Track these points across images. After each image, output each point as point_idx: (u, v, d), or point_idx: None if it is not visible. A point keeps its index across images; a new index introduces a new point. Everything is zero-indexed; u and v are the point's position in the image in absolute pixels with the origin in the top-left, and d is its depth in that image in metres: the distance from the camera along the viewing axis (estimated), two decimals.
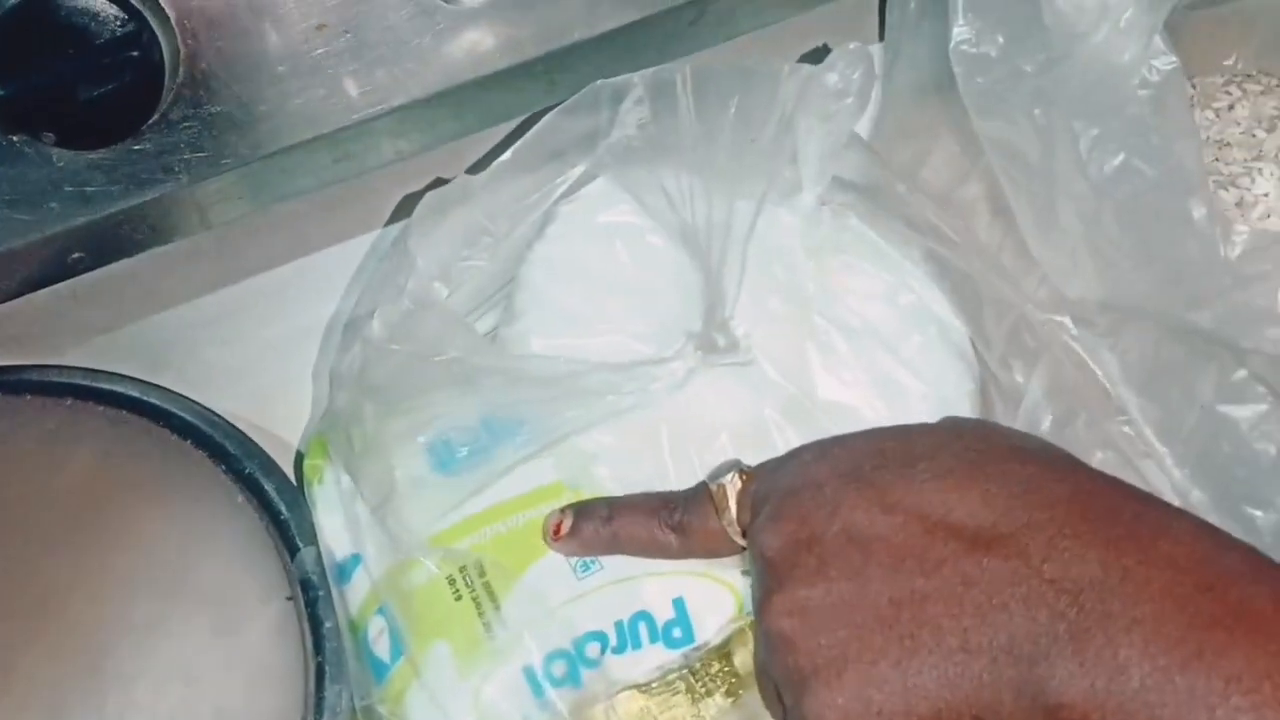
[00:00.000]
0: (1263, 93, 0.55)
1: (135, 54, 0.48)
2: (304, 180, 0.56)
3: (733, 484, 0.45)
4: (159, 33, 0.49)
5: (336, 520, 0.50)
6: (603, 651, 0.47)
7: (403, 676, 0.47)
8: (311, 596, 0.49)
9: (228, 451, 0.52)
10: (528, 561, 0.48)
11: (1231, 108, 0.55)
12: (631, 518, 0.47)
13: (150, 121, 0.50)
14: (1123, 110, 0.44)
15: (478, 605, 0.47)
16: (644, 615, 0.47)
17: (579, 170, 0.52)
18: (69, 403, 0.53)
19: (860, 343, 0.50)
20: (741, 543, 0.45)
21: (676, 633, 0.47)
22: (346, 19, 0.51)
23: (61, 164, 0.50)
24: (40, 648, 0.47)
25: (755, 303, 0.50)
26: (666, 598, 0.47)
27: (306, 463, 0.52)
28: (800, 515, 0.41)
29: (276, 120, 0.52)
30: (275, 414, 0.56)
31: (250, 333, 0.59)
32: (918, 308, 0.52)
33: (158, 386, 0.54)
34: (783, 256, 0.51)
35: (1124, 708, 0.35)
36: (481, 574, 0.47)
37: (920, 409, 0.50)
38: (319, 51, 0.51)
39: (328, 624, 0.49)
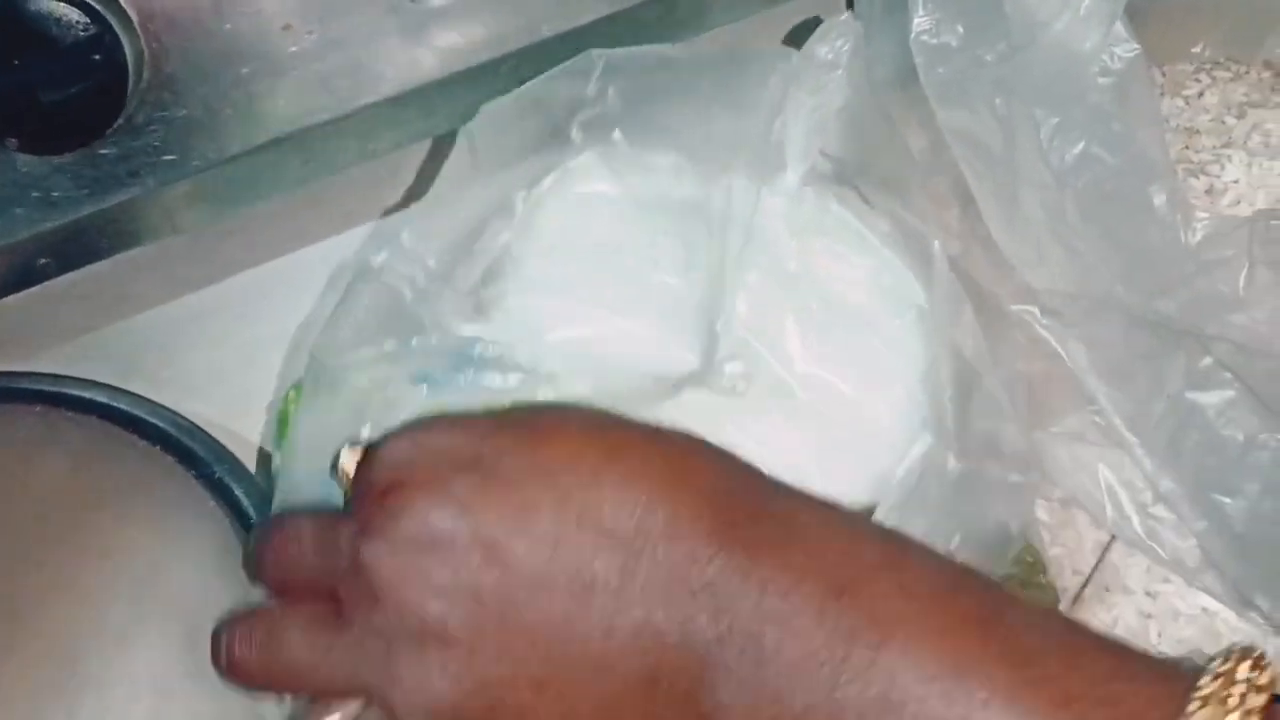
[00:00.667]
0: (1232, 79, 0.55)
1: (98, 57, 0.48)
2: (273, 182, 0.55)
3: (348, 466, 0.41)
4: (122, 35, 0.49)
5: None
6: None
7: None
8: None
9: (198, 457, 0.52)
10: None
11: (1201, 95, 0.55)
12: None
13: (115, 125, 0.50)
14: (1084, 98, 0.44)
15: None
16: None
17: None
18: (38, 410, 0.53)
19: (840, 321, 0.50)
20: None
21: None
22: (312, 19, 0.50)
23: (25, 169, 0.50)
24: (12, 659, 0.47)
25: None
26: None
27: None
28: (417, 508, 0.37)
29: (244, 122, 0.52)
30: (248, 418, 0.56)
31: (222, 337, 0.58)
32: (898, 292, 0.52)
33: (127, 392, 0.54)
34: (764, 234, 0.51)
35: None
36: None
37: (898, 389, 0.50)
38: (285, 52, 0.51)
39: None
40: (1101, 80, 0.44)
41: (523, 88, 0.50)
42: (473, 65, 0.52)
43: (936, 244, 0.48)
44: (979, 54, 0.46)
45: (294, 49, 0.50)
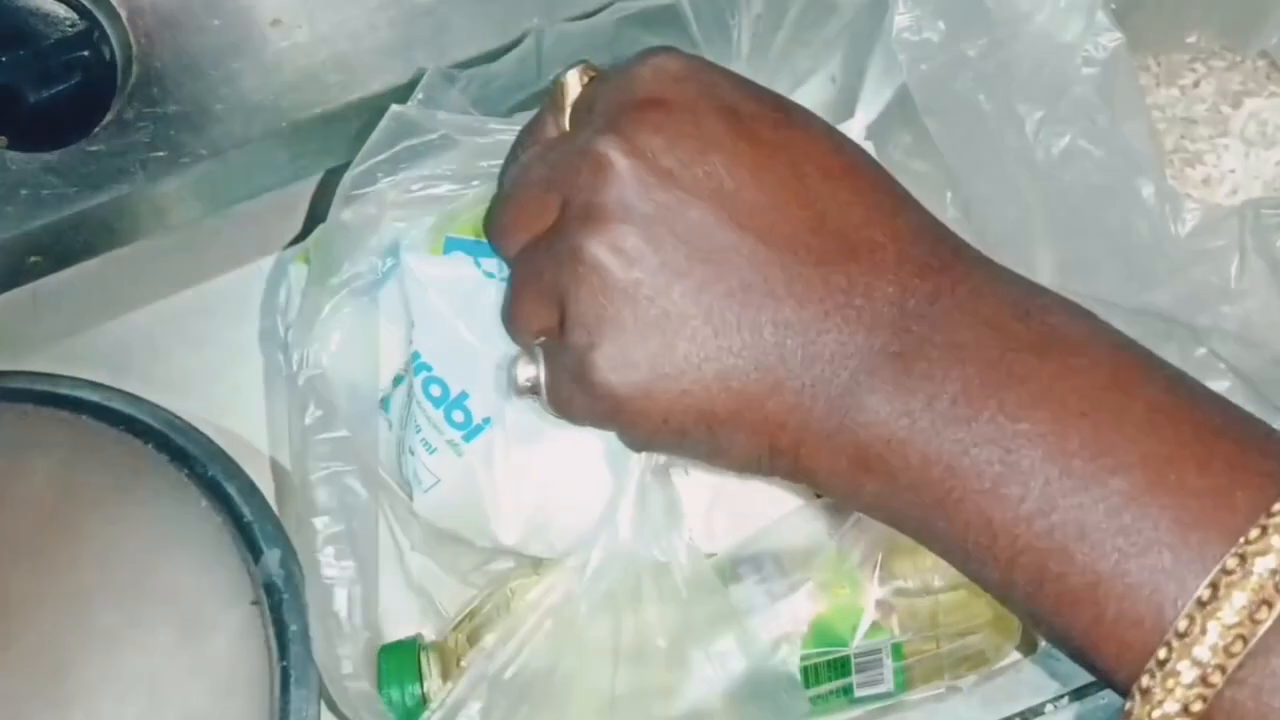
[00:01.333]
0: (1227, 69, 0.55)
1: (86, 54, 0.48)
2: (264, 178, 0.55)
3: (576, 78, 0.39)
4: (110, 32, 0.49)
5: None
6: None
7: None
8: (276, 600, 0.49)
9: (190, 455, 0.52)
10: None
11: (1196, 84, 0.54)
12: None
13: (104, 122, 0.49)
14: (1068, 90, 0.43)
15: None
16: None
17: None
18: (29, 409, 0.53)
19: None
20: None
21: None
22: (301, 14, 0.50)
23: (15, 167, 0.50)
24: (3, 658, 0.47)
25: None
26: None
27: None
28: (663, 134, 0.36)
29: (233, 118, 0.51)
30: (239, 417, 0.55)
31: (214, 335, 0.58)
32: None
33: (119, 391, 0.54)
34: None
35: (924, 433, 0.33)
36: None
37: None
38: (275, 48, 0.50)
39: (293, 628, 0.48)
40: (1086, 70, 0.43)
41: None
42: (460, 61, 0.52)
43: None
44: (961, 49, 0.45)
45: (283, 44, 0.50)
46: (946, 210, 0.51)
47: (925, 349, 0.34)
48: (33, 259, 0.53)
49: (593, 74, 0.40)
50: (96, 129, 0.49)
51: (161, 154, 0.51)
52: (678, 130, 0.36)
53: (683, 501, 0.47)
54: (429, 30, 0.52)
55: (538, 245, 0.38)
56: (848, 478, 0.35)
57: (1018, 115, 0.45)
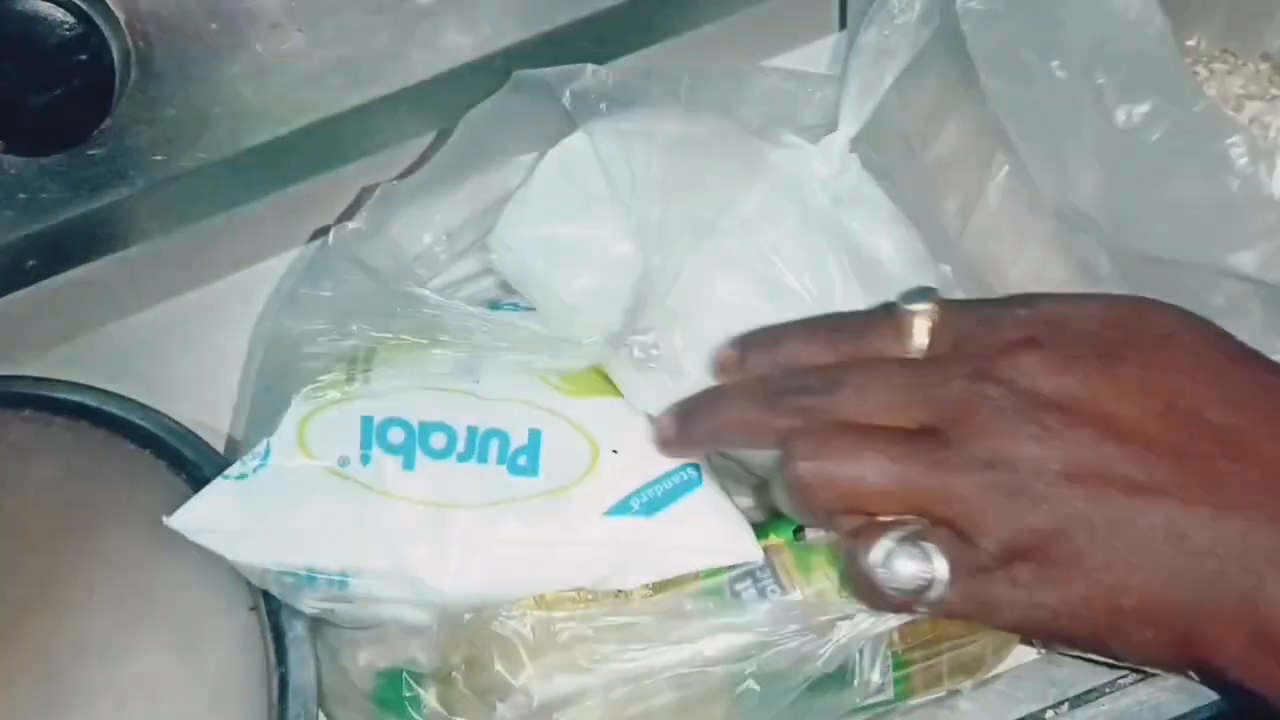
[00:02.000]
0: (1229, 72, 0.55)
1: (84, 58, 0.47)
2: (264, 182, 0.55)
3: (928, 313, 0.41)
4: (108, 35, 0.48)
5: None
6: (447, 448, 0.47)
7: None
8: (274, 606, 0.48)
9: (188, 460, 0.51)
10: (413, 351, 0.49)
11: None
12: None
13: (103, 126, 0.49)
14: (1144, 56, 0.44)
15: (351, 364, 0.48)
16: (499, 433, 0.48)
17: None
18: (27, 414, 0.52)
19: (871, 280, 0.50)
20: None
21: (522, 461, 0.47)
22: (300, 17, 0.50)
23: (13, 171, 0.50)
24: (1, 667, 0.46)
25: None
26: (524, 425, 0.48)
27: None
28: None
29: (233, 122, 0.51)
30: (238, 421, 0.55)
31: (213, 339, 0.58)
32: (922, 267, 0.51)
33: (117, 395, 0.53)
34: (802, 189, 0.51)
35: None
36: (371, 350, 0.49)
37: None
38: (274, 51, 0.50)
39: (290, 634, 0.48)
40: (1146, 46, 0.44)
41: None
42: (462, 63, 0.52)
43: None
44: (1028, 21, 0.45)
45: (283, 48, 0.50)
46: (993, 175, 0.52)
47: None
48: (31, 263, 0.53)
49: (942, 306, 0.41)
50: (94, 133, 0.49)
51: (160, 158, 0.51)
52: (1056, 371, 0.38)
53: None
54: (429, 33, 0.52)
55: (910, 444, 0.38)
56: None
57: (1093, 81, 0.45)
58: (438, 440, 0.48)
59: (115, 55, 0.48)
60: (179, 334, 0.58)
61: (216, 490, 0.47)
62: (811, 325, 0.44)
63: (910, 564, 0.38)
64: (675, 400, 0.46)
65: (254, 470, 0.47)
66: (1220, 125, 0.44)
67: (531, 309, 0.51)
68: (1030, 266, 0.53)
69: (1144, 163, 0.45)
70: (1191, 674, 0.38)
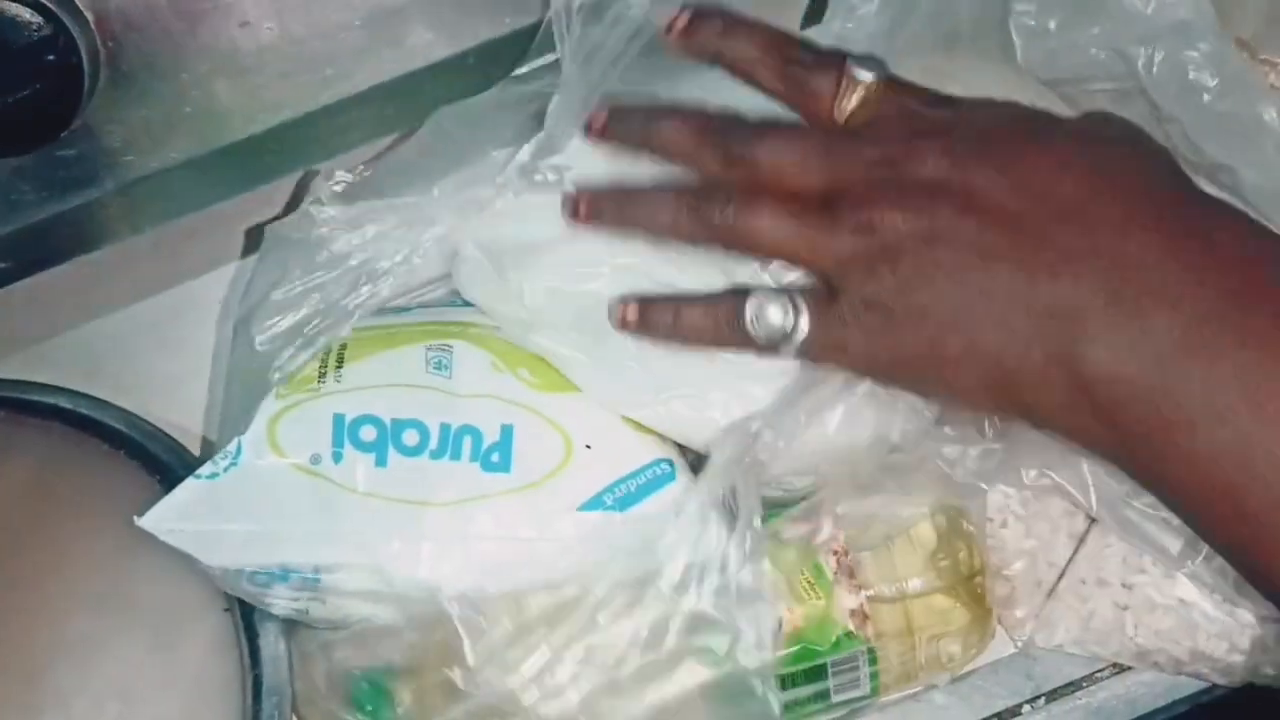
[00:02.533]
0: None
1: (53, 58, 0.47)
2: (235, 182, 0.55)
3: (866, 84, 0.44)
4: (77, 35, 0.48)
5: None
6: (420, 445, 0.47)
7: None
8: (249, 607, 0.48)
9: (162, 461, 0.51)
10: (384, 347, 0.49)
11: None
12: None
13: (73, 126, 0.49)
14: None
15: (323, 363, 0.48)
16: (472, 430, 0.48)
17: None
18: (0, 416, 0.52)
19: None
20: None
21: (495, 458, 0.48)
22: (270, 15, 0.50)
23: None
24: None
25: None
26: (496, 421, 0.48)
27: None
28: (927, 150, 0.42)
29: (203, 121, 0.51)
30: (212, 420, 0.55)
31: (185, 340, 0.57)
32: None
33: (90, 397, 0.53)
34: None
35: (1147, 378, 0.39)
36: (342, 347, 0.49)
37: None
38: (243, 49, 0.50)
39: (264, 635, 0.48)
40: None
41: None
42: (434, 61, 0.52)
43: None
44: (1074, 36, 0.50)
45: (252, 46, 0.50)
46: None
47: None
48: (2, 265, 0.53)
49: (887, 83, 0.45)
50: (64, 133, 0.49)
51: (131, 158, 0.51)
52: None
53: None
54: (399, 29, 0.51)
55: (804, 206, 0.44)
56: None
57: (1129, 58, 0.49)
58: (410, 437, 0.47)
59: (84, 55, 0.48)
60: (152, 335, 0.58)
61: (187, 490, 0.47)
62: (771, 48, 0.47)
63: (778, 313, 0.44)
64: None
65: (225, 469, 0.47)
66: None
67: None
68: None
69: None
70: (1025, 420, 0.42)
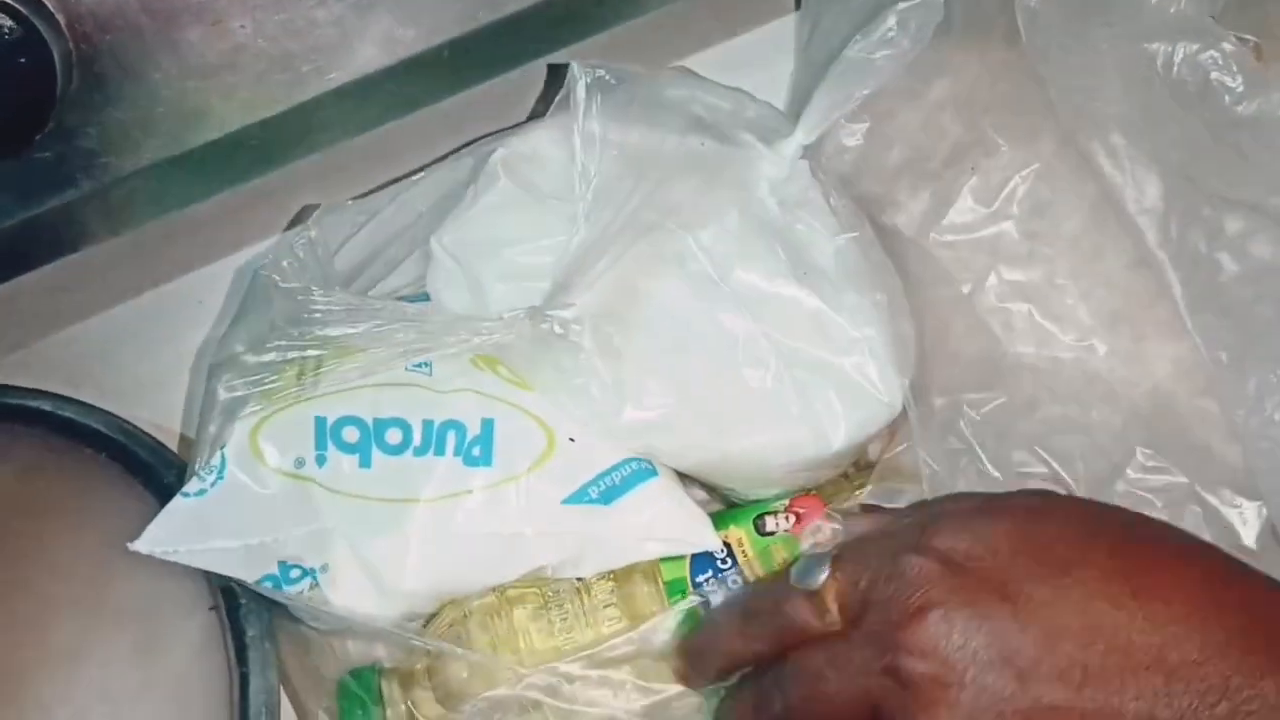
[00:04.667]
0: None
1: (24, 60, 0.47)
2: (213, 182, 0.54)
3: (828, 584, 0.42)
4: (48, 37, 0.48)
5: None
6: (403, 443, 0.47)
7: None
8: (234, 605, 0.48)
9: (145, 463, 0.51)
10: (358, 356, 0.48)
11: None
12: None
13: (47, 129, 0.49)
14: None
15: (302, 367, 0.48)
16: (455, 424, 0.47)
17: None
18: None
19: (805, 280, 0.50)
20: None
21: (476, 451, 0.47)
22: (243, 14, 0.49)
23: None
24: None
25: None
26: (478, 415, 0.48)
27: None
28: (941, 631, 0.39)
29: (178, 122, 0.51)
30: (195, 423, 0.55)
31: (168, 341, 0.57)
32: (860, 274, 0.51)
33: (72, 400, 0.53)
34: (748, 189, 0.50)
35: None
36: (320, 347, 0.48)
37: (851, 354, 0.49)
38: (217, 49, 0.50)
39: (251, 633, 0.48)
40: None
41: None
42: (409, 56, 0.51)
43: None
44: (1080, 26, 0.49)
45: (225, 45, 0.50)
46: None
47: None
48: None
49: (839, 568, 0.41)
50: (38, 137, 0.48)
51: (106, 159, 0.50)
52: (964, 631, 0.39)
53: None
54: (373, 26, 0.51)
55: None
56: None
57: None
58: (393, 436, 0.47)
59: (56, 58, 0.48)
60: (133, 337, 0.57)
61: (176, 509, 0.46)
62: (733, 619, 0.45)
63: None
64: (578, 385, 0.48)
65: (211, 485, 0.46)
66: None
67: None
68: None
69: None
70: None
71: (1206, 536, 0.51)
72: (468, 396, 0.48)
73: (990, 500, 0.44)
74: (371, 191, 0.53)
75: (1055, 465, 0.53)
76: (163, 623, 0.48)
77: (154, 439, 0.53)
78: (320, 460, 0.47)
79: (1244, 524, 0.51)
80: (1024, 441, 0.53)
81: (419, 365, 0.48)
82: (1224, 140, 0.48)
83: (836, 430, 0.48)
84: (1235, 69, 0.48)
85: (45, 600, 0.48)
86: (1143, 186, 0.51)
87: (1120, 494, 0.52)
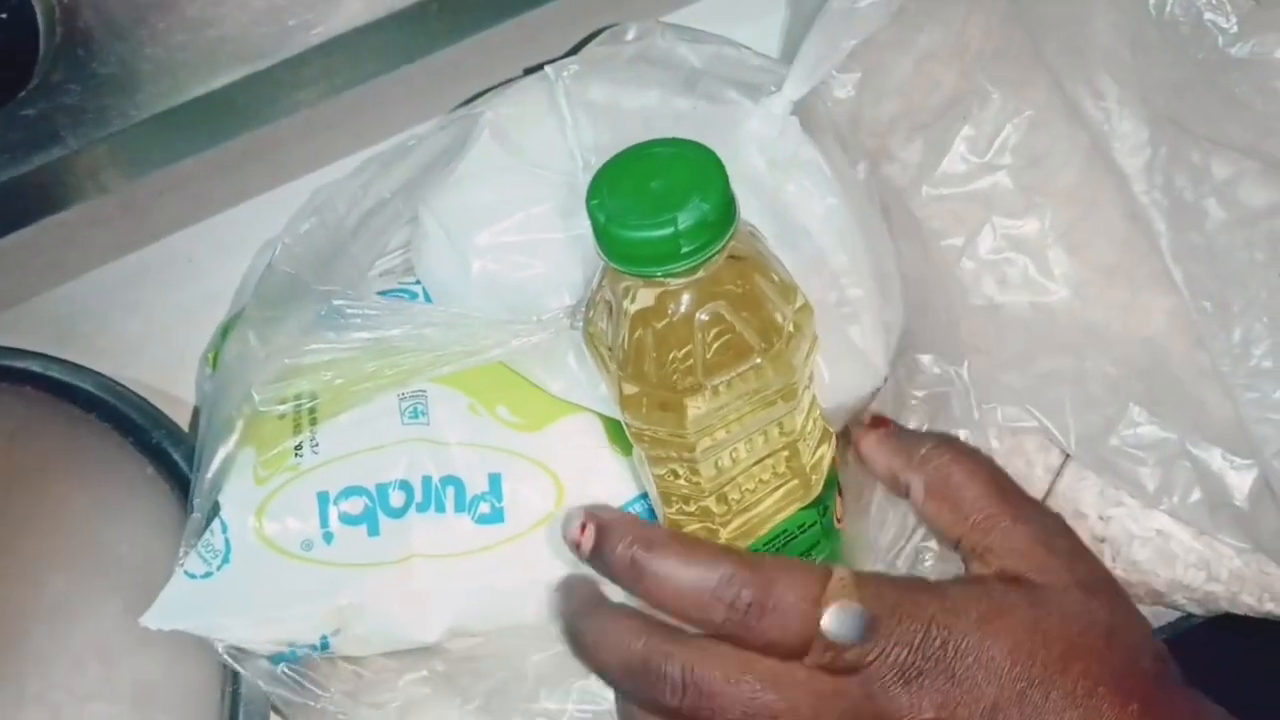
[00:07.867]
0: None
1: (5, 15, 0.46)
2: (200, 139, 0.54)
3: (842, 581, 0.40)
4: None
5: None
6: (406, 504, 0.46)
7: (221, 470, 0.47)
8: None
9: (135, 423, 0.51)
10: (356, 402, 0.47)
11: None
12: (672, 570, 0.40)
13: (31, 85, 0.48)
14: None
15: (296, 424, 0.47)
16: (454, 480, 0.46)
17: None
18: None
19: (792, 242, 0.49)
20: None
21: (484, 508, 0.47)
22: None
23: None
24: None
25: None
26: (483, 470, 0.47)
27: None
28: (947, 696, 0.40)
29: (164, 78, 0.50)
30: (184, 382, 0.55)
31: (158, 299, 0.57)
32: (849, 235, 0.51)
33: (61, 360, 0.53)
34: (737, 148, 0.50)
35: None
36: (313, 398, 0.47)
37: (839, 317, 0.49)
38: (200, 4, 0.49)
39: None
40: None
41: None
42: (396, 10, 0.51)
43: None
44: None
45: (211, 1, 0.49)
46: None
47: None
48: None
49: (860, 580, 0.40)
50: (22, 93, 0.48)
51: (91, 116, 0.50)
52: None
53: None
54: None
55: None
56: None
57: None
58: (396, 499, 0.46)
59: (39, 14, 0.47)
60: (122, 296, 0.57)
61: (181, 589, 0.46)
62: (691, 553, 0.41)
63: None
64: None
65: (218, 568, 0.46)
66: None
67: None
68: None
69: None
70: None
71: (1198, 494, 0.52)
72: (471, 452, 0.47)
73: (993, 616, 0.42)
74: (361, 150, 0.53)
75: (1046, 421, 0.53)
76: (155, 579, 0.47)
77: (144, 399, 0.53)
78: (328, 539, 0.46)
79: (1237, 481, 0.51)
80: (1015, 397, 0.53)
81: (415, 416, 0.47)
82: (1215, 83, 0.48)
83: (823, 394, 0.48)
84: (1229, 8, 0.47)
85: (39, 558, 0.48)
86: (1130, 131, 0.50)
87: (1112, 449, 0.52)
